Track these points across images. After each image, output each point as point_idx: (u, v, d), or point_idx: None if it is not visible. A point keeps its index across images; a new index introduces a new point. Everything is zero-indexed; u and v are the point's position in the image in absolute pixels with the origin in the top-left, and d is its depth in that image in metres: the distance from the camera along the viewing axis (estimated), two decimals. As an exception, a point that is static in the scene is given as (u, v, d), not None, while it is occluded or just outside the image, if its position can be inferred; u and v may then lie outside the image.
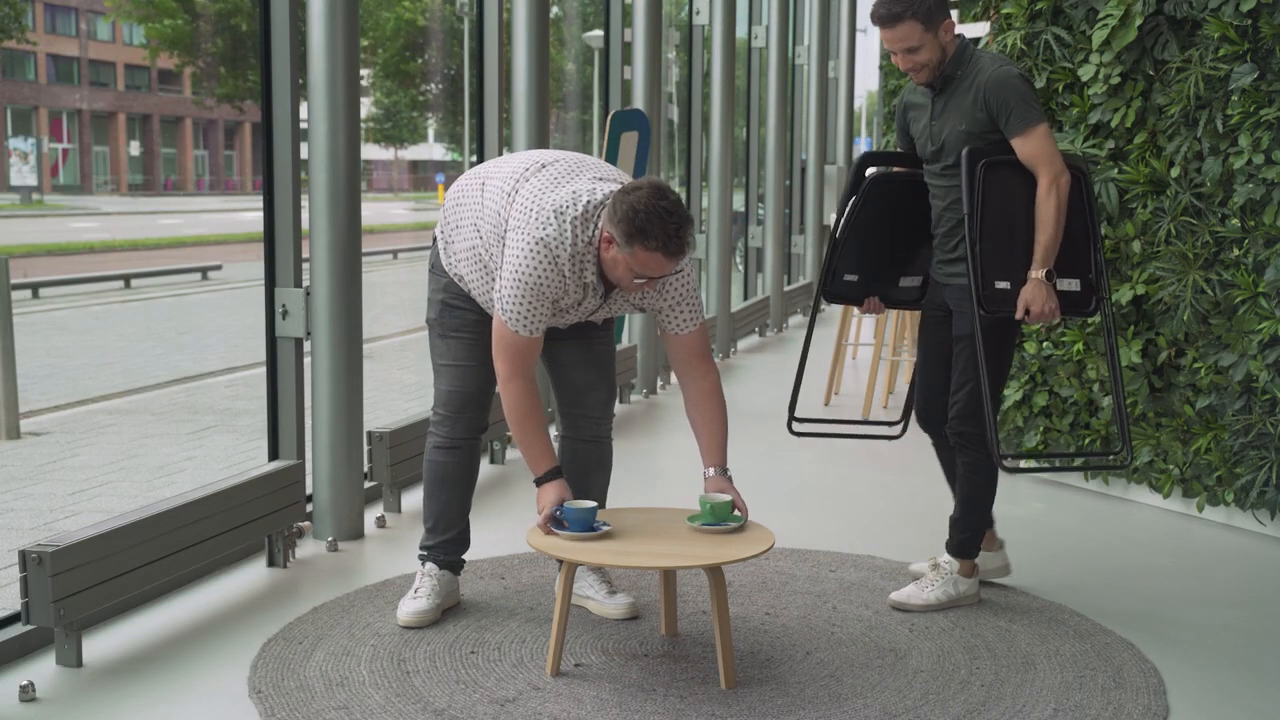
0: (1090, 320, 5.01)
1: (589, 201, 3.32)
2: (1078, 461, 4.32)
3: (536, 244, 3.29)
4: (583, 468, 3.73)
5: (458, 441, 3.71)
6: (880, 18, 3.63)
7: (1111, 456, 3.79)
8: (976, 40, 6.33)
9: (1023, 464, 3.82)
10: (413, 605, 3.65)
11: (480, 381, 3.66)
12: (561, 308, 3.42)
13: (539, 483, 3.42)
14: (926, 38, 3.61)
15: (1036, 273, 3.58)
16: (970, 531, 3.85)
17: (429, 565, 3.75)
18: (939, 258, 3.83)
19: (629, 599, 3.74)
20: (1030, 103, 3.59)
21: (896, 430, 4.14)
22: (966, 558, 3.86)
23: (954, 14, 3.82)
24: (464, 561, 3.86)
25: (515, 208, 3.39)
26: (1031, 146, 3.58)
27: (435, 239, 3.67)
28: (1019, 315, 3.61)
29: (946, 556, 3.86)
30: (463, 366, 3.65)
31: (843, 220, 3.92)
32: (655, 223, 3.14)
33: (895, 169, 3.99)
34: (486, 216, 3.47)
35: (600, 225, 3.30)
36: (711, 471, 3.53)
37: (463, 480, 3.77)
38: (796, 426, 4.23)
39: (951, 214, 3.74)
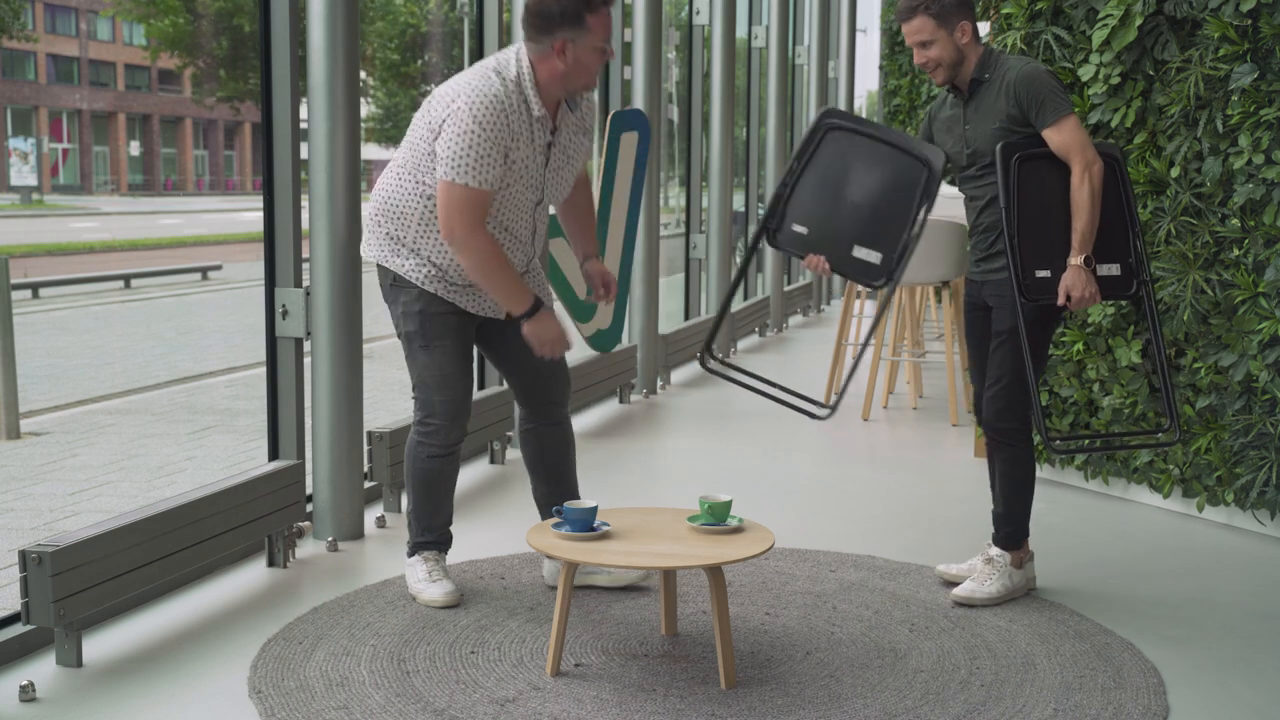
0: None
1: (500, 58, 3.56)
2: (1133, 441, 4.37)
3: (473, 96, 3.45)
4: (557, 452, 3.93)
5: (450, 448, 3.81)
6: (899, 13, 3.80)
7: (1161, 434, 3.88)
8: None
9: (1073, 445, 3.90)
10: (440, 588, 3.78)
11: (468, 385, 3.80)
12: (515, 161, 3.53)
13: (530, 314, 3.57)
14: (939, 34, 3.73)
15: (1076, 259, 3.67)
16: (1015, 524, 3.93)
17: (430, 551, 3.88)
18: (976, 256, 3.92)
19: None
20: (1059, 95, 3.70)
21: (824, 412, 4.05)
22: (1015, 548, 3.93)
23: (983, 26, 3.86)
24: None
25: (435, 107, 3.56)
26: (1063, 137, 3.68)
27: (378, 266, 3.76)
28: (1060, 301, 3.69)
29: (996, 550, 3.94)
30: (452, 375, 3.75)
31: (795, 166, 3.87)
32: None
33: (851, 127, 3.89)
34: (419, 157, 3.60)
35: (526, 58, 3.53)
36: (586, 261, 3.86)
37: (454, 478, 3.90)
38: (710, 364, 4.10)
39: (989, 213, 3.82)
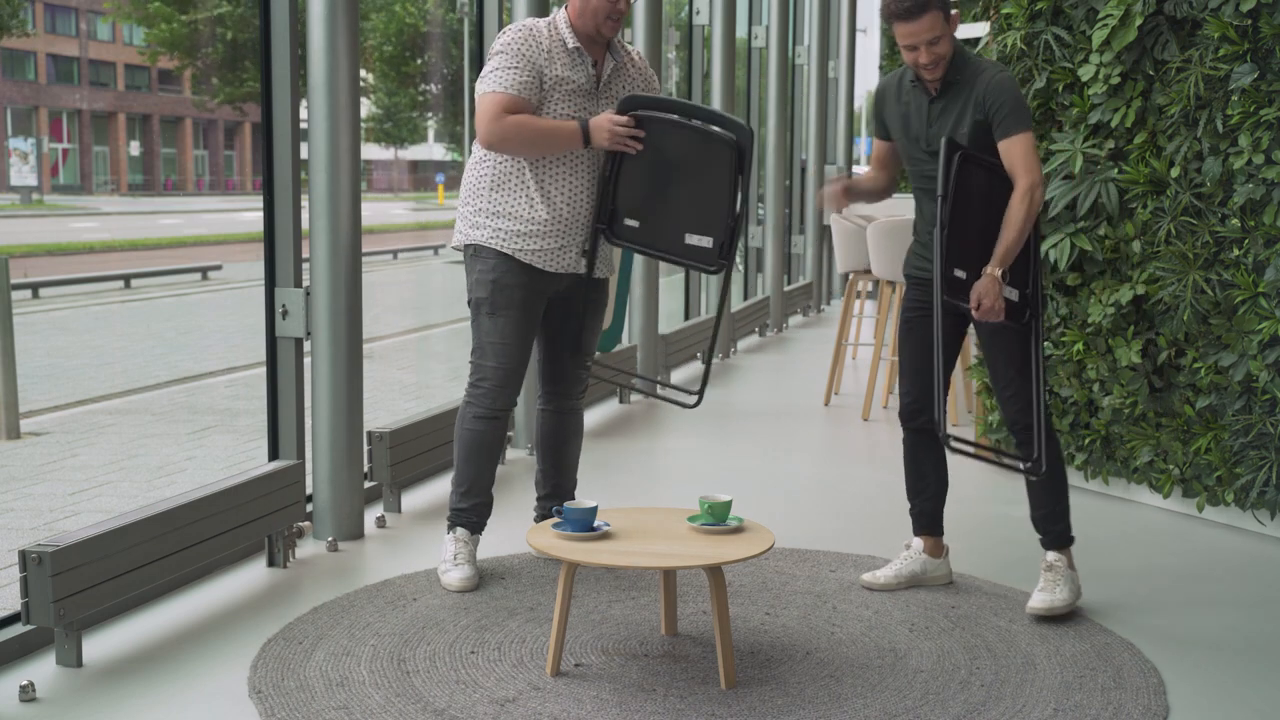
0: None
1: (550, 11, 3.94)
2: (1006, 461, 4.15)
3: (510, 28, 3.83)
4: (563, 434, 4.18)
5: (498, 412, 3.97)
6: (905, 10, 3.61)
7: (1026, 465, 3.79)
8: (975, 41, 6.34)
9: (961, 446, 3.80)
10: (460, 573, 3.91)
11: (523, 357, 3.96)
12: (554, 83, 3.79)
13: (585, 126, 3.75)
14: (946, 29, 3.65)
15: (994, 270, 3.60)
16: (1062, 520, 3.88)
17: (459, 530, 4.01)
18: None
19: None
20: (1022, 109, 3.65)
21: (692, 400, 4.04)
22: (1067, 547, 3.89)
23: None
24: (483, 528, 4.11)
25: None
26: (1016, 150, 3.62)
27: (464, 248, 3.96)
28: (970, 306, 3.63)
29: (1053, 554, 3.87)
30: (511, 345, 3.92)
31: (609, 159, 3.84)
32: None
33: (670, 115, 3.83)
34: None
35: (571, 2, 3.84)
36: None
37: (497, 447, 4.04)
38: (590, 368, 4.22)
39: (931, 206, 3.76)
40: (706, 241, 3.80)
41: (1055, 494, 3.88)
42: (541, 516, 4.21)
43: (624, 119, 3.76)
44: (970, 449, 3.93)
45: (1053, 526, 3.89)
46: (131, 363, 10.14)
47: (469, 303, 3.98)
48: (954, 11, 3.69)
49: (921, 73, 3.71)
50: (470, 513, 4.02)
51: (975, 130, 3.67)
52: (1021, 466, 3.84)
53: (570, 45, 3.84)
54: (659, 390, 3.98)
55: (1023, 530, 4.20)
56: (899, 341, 4.01)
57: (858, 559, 4.33)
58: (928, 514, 4.06)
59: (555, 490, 4.21)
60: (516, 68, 3.77)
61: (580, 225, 3.92)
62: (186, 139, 43.23)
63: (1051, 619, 3.75)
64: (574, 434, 4.21)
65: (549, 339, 4.10)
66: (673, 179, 3.81)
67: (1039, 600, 3.78)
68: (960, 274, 3.65)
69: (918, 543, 4.06)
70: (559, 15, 3.88)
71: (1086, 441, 5.16)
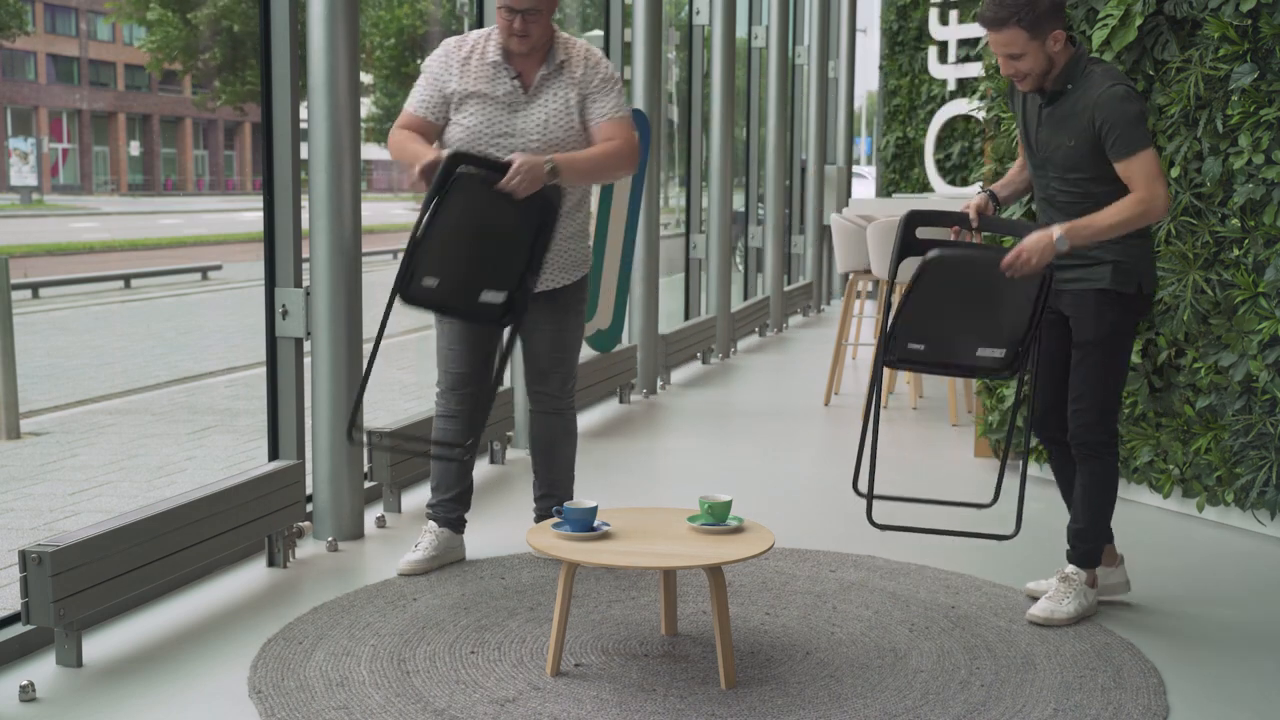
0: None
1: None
2: (967, 531, 3.94)
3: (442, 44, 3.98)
4: (550, 437, 4.22)
5: (454, 411, 4.10)
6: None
7: (996, 539, 3.68)
8: (975, 41, 6.31)
9: (893, 525, 3.66)
10: (409, 556, 4.09)
11: (467, 365, 4.05)
12: (462, 94, 3.88)
13: (428, 164, 3.67)
14: (1031, 45, 3.51)
15: (1059, 229, 3.43)
16: (1095, 541, 3.80)
17: (430, 523, 4.17)
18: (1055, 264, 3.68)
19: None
20: (1134, 128, 3.49)
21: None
22: (1092, 567, 3.81)
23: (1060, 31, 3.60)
24: (464, 520, 4.24)
25: None
26: (1134, 171, 3.48)
27: None
28: (1008, 259, 3.43)
29: (1072, 567, 3.80)
30: (453, 350, 4.04)
31: (424, 218, 3.59)
32: None
33: (479, 171, 3.66)
34: None
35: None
36: (548, 161, 3.74)
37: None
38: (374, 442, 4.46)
39: (1062, 220, 3.56)
40: (500, 297, 3.71)
41: (1100, 511, 3.78)
42: (540, 517, 4.21)
43: (431, 160, 3.64)
44: (902, 528, 3.80)
45: (1080, 544, 3.80)
46: (131, 363, 10.13)
47: None
48: (1058, 29, 3.52)
49: (1014, 82, 3.63)
50: (439, 508, 4.17)
51: (1087, 146, 3.54)
52: (995, 533, 3.71)
53: (491, 59, 3.91)
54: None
55: (1024, 530, 4.19)
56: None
57: (858, 559, 4.33)
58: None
59: (550, 491, 4.23)
60: (422, 86, 3.94)
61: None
62: (186, 139, 43.23)
63: (1052, 628, 3.72)
64: (562, 437, 4.23)
65: (526, 340, 4.13)
66: (482, 235, 3.67)
67: (1041, 608, 3.73)
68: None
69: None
70: (489, 40, 3.95)
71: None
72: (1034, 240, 3.45)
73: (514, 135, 3.89)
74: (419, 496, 5.00)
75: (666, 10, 7.62)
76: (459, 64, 3.92)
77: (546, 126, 3.90)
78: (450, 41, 3.98)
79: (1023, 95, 3.75)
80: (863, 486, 3.71)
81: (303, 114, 4.31)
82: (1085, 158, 3.57)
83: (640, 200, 6.39)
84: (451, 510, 4.19)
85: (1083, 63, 3.59)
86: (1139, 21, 4.69)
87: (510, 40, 3.86)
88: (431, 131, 3.94)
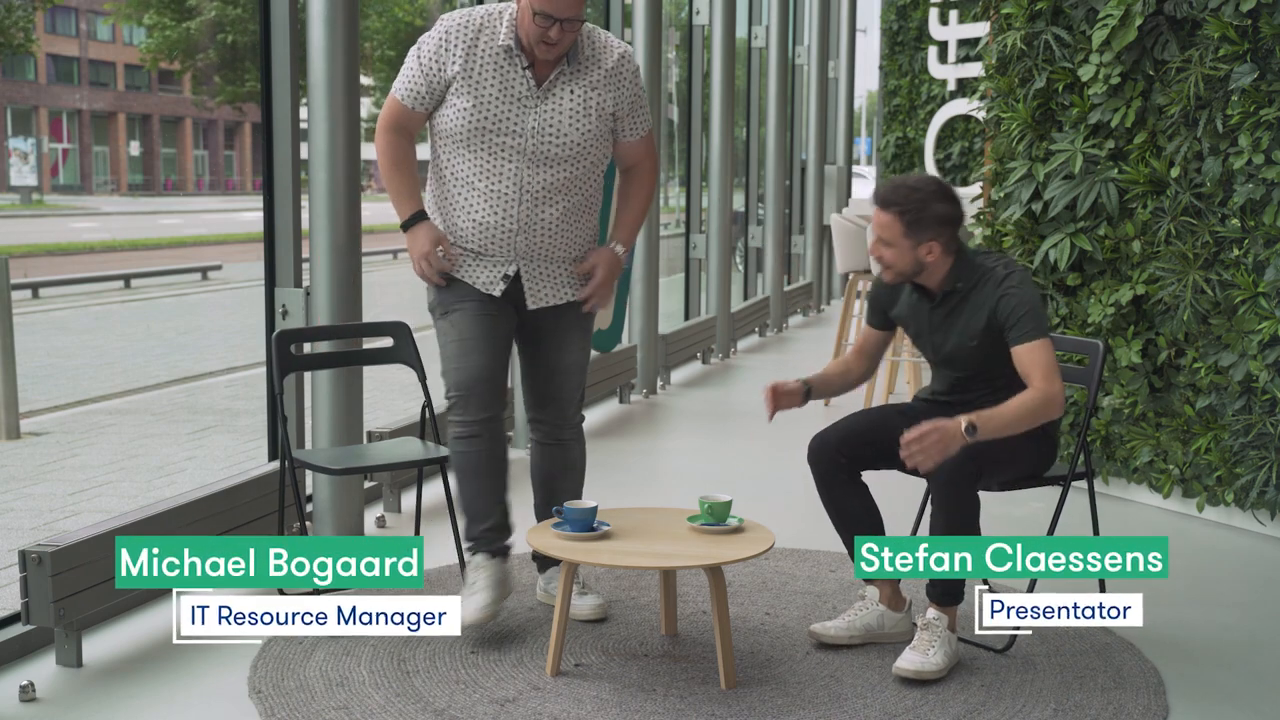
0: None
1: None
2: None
3: (452, 15, 3.56)
4: (549, 470, 3.77)
5: (475, 428, 3.54)
6: (876, 196, 3.44)
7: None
8: (975, 41, 6.31)
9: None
10: (474, 602, 3.48)
11: (487, 358, 3.56)
12: (462, 81, 3.49)
13: (406, 226, 3.55)
14: (903, 242, 3.37)
15: (968, 421, 3.17)
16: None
17: (478, 557, 3.60)
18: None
19: (599, 600, 3.70)
20: (1040, 314, 3.36)
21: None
22: (955, 604, 3.40)
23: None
24: (509, 548, 3.67)
25: None
26: (1033, 358, 3.31)
27: None
28: (914, 435, 3.19)
29: (933, 612, 3.37)
30: (470, 340, 3.55)
31: None
32: None
33: None
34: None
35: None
36: (618, 247, 3.74)
37: (488, 469, 3.60)
38: None
39: (964, 408, 3.33)
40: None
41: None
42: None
43: (421, 255, 3.50)
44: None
45: (940, 580, 3.29)
46: (131, 363, 10.13)
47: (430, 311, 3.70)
48: (935, 241, 3.37)
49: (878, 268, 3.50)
50: (481, 541, 3.61)
51: (990, 342, 3.41)
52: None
53: (502, 42, 3.49)
54: None
55: (1019, 530, 4.20)
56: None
57: (858, 559, 4.32)
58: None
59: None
60: (412, 70, 3.54)
61: (501, 243, 3.56)
62: (186, 139, 43.25)
63: (921, 682, 3.30)
64: (565, 470, 3.78)
65: (524, 360, 3.77)
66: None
67: (909, 661, 3.31)
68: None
69: (872, 591, 3.59)
70: (512, 10, 3.51)
71: (1086, 441, 5.15)
72: (946, 426, 3.17)
73: (521, 134, 3.49)
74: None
75: (666, 10, 7.63)
76: (464, 46, 3.47)
77: (559, 127, 3.51)
78: (452, 19, 3.51)
79: (906, 299, 3.57)
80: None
81: (303, 114, 4.31)
82: (990, 355, 3.43)
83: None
84: (494, 540, 3.62)
85: (974, 264, 3.44)
86: (1139, 21, 4.69)
87: (539, 47, 3.44)
88: (417, 123, 3.59)
